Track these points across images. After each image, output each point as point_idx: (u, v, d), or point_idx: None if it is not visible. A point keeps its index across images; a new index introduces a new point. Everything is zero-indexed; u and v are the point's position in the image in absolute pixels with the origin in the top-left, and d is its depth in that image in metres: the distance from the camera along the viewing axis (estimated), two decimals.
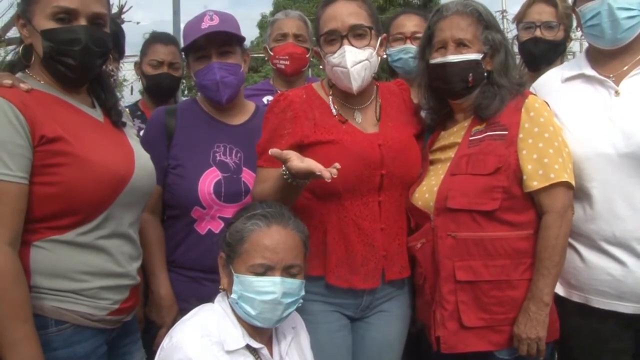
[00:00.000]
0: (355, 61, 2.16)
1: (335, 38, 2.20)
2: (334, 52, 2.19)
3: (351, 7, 2.20)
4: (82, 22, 1.81)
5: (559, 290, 2.22)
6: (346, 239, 2.20)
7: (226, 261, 1.98)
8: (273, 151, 1.93)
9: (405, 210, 2.30)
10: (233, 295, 1.92)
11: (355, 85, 2.19)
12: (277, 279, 1.88)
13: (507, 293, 2.09)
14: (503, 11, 15.12)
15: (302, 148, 2.15)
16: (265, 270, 1.89)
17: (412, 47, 2.89)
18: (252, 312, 1.88)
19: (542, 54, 2.96)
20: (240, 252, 1.92)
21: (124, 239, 1.92)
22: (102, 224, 1.82)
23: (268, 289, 1.87)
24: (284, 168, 1.97)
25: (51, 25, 1.79)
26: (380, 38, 2.28)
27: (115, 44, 2.58)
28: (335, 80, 2.25)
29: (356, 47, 2.18)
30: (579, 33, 2.55)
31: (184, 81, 3.45)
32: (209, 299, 2.01)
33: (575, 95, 2.27)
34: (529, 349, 2.06)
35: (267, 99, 3.20)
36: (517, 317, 2.08)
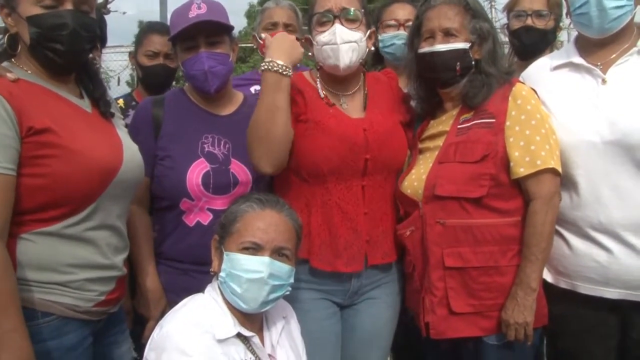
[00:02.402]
0: (345, 40, 2.21)
1: (328, 19, 2.24)
2: (325, 31, 2.23)
3: None
4: (69, 6, 1.79)
5: (547, 276, 2.24)
6: (330, 223, 2.22)
7: (219, 242, 1.99)
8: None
9: (391, 197, 2.32)
10: (221, 274, 1.93)
11: (343, 63, 2.22)
12: (265, 259, 1.90)
13: (495, 279, 2.12)
14: (491, 0, 15.15)
15: (297, 124, 2.21)
16: (255, 249, 1.91)
17: (404, 34, 2.90)
18: (238, 290, 1.89)
19: (533, 43, 2.97)
20: (232, 232, 1.95)
21: (112, 231, 1.91)
22: (90, 216, 1.82)
23: (256, 268, 1.89)
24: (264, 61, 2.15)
25: (37, 11, 1.77)
26: (369, 31, 2.31)
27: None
28: (323, 59, 2.27)
29: (347, 28, 2.21)
30: (567, 21, 2.56)
31: None
32: (198, 290, 2.01)
33: (563, 83, 2.28)
34: (517, 334, 2.08)
35: (254, 88, 3.18)
36: (505, 303, 2.10)
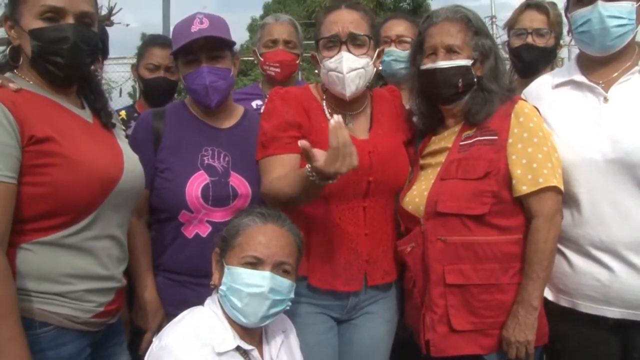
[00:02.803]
0: (352, 68, 2.18)
1: (335, 43, 2.21)
2: (332, 57, 2.21)
3: (354, 16, 2.23)
4: (70, 20, 1.81)
5: (548, 294, 2.23)
6: (330, 242, 2.22)
7: (220, 255, 1.99)
8: (303, 143, 1.82)
9: (392, 217, 2.32)
10: (222, 287, 1.93)
11: (349, 91, 2.20)
12: (266, 273, 1.90)
13: (496, 297, 2.11)
14: (492, 17, 15.26)
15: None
16: (256, 264, 1.91)
17: (394, 50, 2.90)
18: (238, 305, 1.89)
19: (534, 61, 2.98)
20: (234, 245, 1.95)
21: (112, 241, 1.91)
22: (90, 225, 1.81)
23: (256, 282, 1.89)
24: (308, 167, 1.89)
25: (39, 24, 1.79)
26: (377, 50, 2.30)
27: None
28: (329, 85, 2.25)
29: (354, 55, 2.19)
30: (568, 39, 2.57)
31: None
32: (196, 302, 2.01)
33: (564, 101, 2.28)
34: (518, 352, 2.07)
35: (256, 103, 3.20)
36: (506, 321, 2.09)
